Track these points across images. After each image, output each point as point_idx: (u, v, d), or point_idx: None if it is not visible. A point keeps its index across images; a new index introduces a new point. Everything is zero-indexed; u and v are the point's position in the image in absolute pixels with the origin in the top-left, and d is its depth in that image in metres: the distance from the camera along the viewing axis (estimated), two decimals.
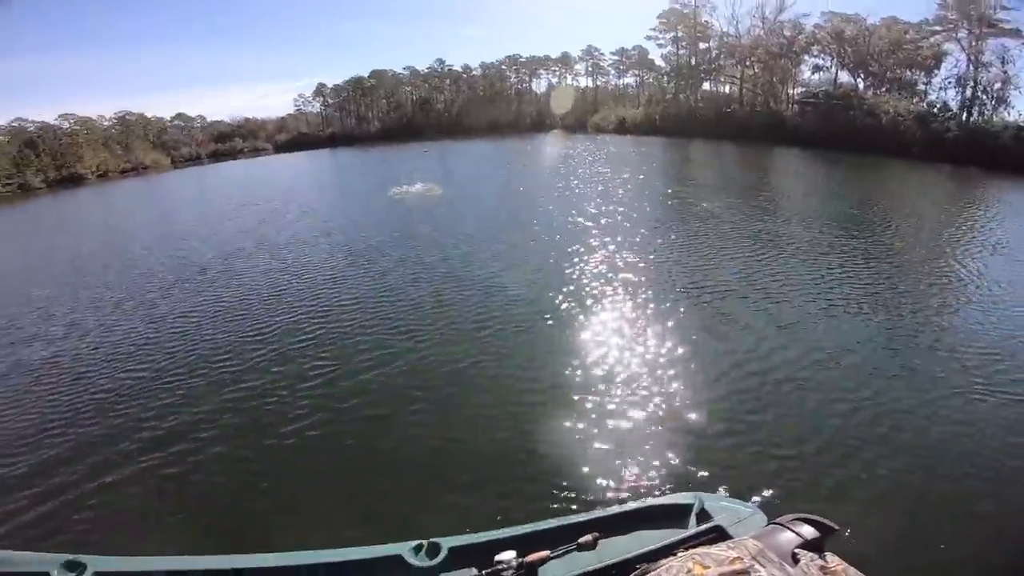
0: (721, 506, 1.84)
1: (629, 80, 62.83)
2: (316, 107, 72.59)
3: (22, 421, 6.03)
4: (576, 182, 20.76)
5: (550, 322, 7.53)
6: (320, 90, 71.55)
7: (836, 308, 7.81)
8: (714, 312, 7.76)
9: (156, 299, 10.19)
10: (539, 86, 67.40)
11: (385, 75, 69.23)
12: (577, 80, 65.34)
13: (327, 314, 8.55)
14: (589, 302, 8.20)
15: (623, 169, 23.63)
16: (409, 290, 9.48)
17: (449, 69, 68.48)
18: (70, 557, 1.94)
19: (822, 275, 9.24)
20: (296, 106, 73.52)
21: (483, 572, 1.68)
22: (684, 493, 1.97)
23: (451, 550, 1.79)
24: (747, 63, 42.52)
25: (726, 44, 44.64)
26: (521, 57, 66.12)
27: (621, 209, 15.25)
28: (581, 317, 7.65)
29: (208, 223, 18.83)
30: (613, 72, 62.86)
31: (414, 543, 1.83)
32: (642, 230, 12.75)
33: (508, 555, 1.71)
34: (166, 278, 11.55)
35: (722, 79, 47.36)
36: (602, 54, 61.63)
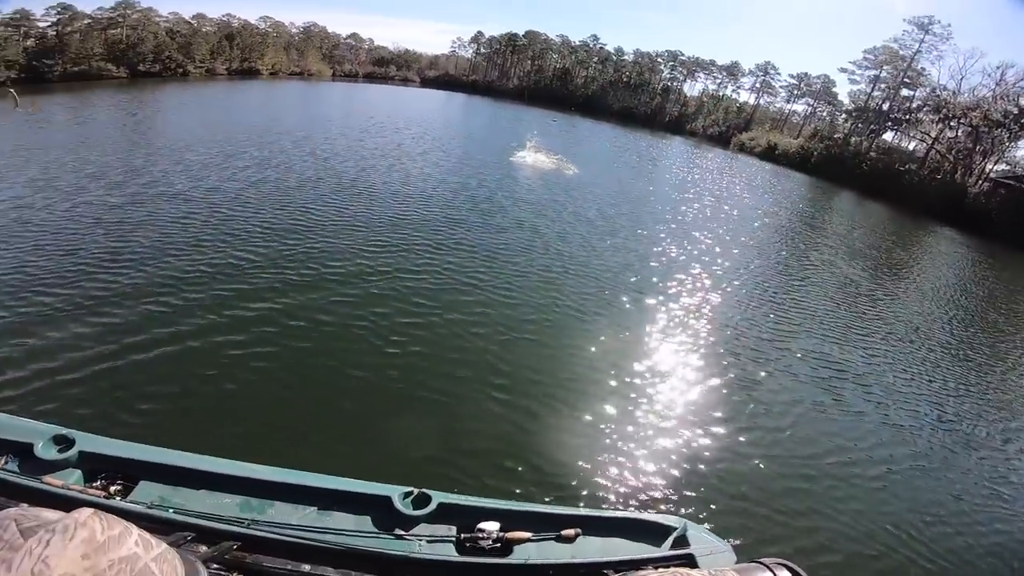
0: (700, 536, 1.82)
1: (798, 107, 56.77)
2: (469, 53, 74.83)
3: (124, 273, 6.32)
4: (710, 199, 19.04)
5: (651, 342, 7.12)
6: (477, 38, 73.46)
7: (958, 426, 6.74)
8: (827, 388, 6.95)
9: (291, 189, 11.23)
10: (692, 89, 63.30)
11: (538, 38, 69.04)
12: (738, 93, 60.44)
13: (439, 252, 8.87)
14: (703, 339, 7.47)
15: (763, 200, 21.44)
16: (520, 257, 9.40)
17: (601, 47, 66.66)
18: (61, 430, 1.86)
19: (954, 386, 7.92)
20: (451, 48, 76.57)
21: (462, 535, 1.69)
22: (672, 516, 1.88)
23: (439, 505, 1.78)
24: (951, 123, 36.09)
25: (935, 97, 38.05)
26: (683, 54, 62.21)
27: (753, 243, 13.95)
28: (688, 350, 7.05)
29: (351, 135, 20.35)
30: (783, 94, 56.88)
31: (405, 489, 1.82)
32: (770, 273, 11.60)
33: (491, 525, 1.70)
34: (304, 173, 12.72)
35: (912, 134, 40.90)
36: (778, 73, 55.88)
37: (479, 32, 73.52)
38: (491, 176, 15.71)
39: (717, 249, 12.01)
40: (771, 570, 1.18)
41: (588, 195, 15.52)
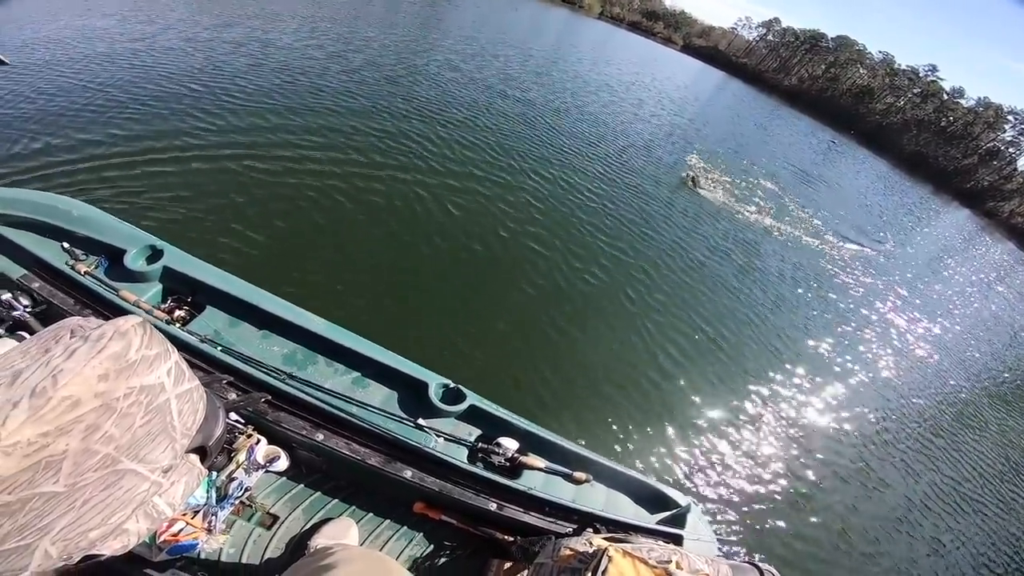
0: (696, 522, 1.78)
1: None
2: (752, 35, 68.14)
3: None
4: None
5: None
6: (770, 24, 66.27)
7: None
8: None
9: (543, 137, 9.30)
10: None
11: (851, 47, 59.11)
12: None
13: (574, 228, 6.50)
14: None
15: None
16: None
17: (932, 81, 54.02)
18: (155, 241, 1.93)
19: None
20: (733, 25, 70.68)
21: (479, 444, 1.73)
22: (682, 494, 1.85)
23: (471, 406, 1.79)
24: None
25: None
26: None
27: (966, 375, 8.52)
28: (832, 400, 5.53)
29: (616, 89, 18.07)
30: None
31: (444, 380, 1.84)
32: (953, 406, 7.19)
33: (510, 444, 1.73)
34: (569, 113, 11.67)
35: None
36: None
37: (775, 19, 66.46)
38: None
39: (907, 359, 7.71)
40: (761, 574, 1.19)
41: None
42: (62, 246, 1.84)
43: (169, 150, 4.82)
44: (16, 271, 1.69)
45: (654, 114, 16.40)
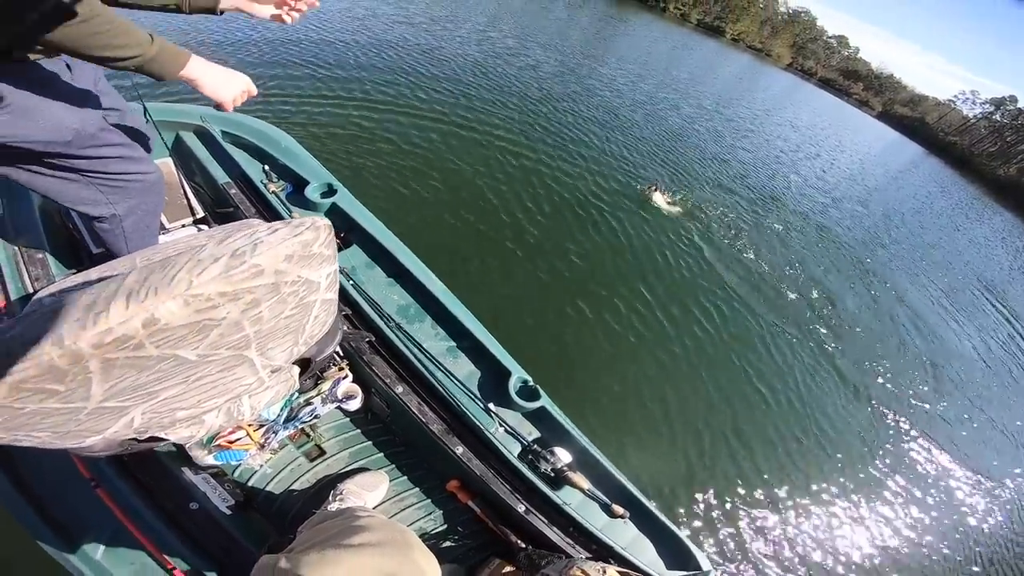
0: None
1: None
2: (974, 112, 60.20)
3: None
4: None
5: None
6: (1001, 102, 57.91)
7: None
8: None
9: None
10: None
11: None
12: None
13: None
14: None
15: None
16: None
17: None
18: (335, 182, 2.24)
19: None
20: (951, 97, 63.04)
21: (534, 445, 1.77)
22: (708, 560, 1.75)
23: (541, 408, 1.84)
24: None
25: None
26: None
27: None
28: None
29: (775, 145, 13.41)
30: None
31: (525, 376, 1.91)
32: None
33: (563, 455, 1.75)
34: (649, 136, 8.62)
35: None
36: None
37: (1010, 96, 58.00)
38: None
39: None
40: None
41: None
42: (263, 167, 2.25)
43: (376, 109, 5.39)
44: (223, 178, 2.08)
45: (840, 197, 11.23)
